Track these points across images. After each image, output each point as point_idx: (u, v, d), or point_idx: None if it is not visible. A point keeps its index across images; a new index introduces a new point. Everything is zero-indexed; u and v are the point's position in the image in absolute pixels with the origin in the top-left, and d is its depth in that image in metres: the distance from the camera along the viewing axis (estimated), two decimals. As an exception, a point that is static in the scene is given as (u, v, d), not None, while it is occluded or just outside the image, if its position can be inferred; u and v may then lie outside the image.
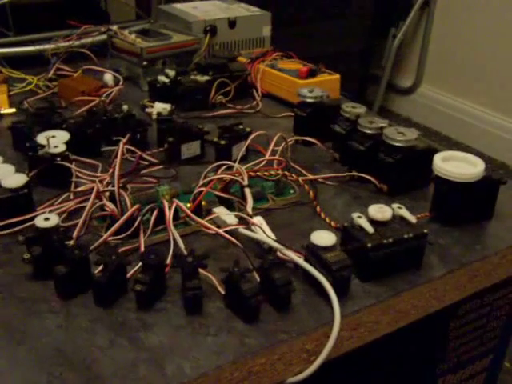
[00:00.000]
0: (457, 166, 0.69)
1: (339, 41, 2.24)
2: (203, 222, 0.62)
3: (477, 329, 0.77)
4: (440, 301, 0.63)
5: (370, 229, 0.60)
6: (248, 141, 0.79)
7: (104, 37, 1.17)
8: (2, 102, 0.98)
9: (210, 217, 0.65)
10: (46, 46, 1.13)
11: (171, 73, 0.99)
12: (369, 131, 0.77)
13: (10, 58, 1.15)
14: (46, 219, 0.60)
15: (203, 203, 0.67)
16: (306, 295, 0.58)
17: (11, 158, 0.80)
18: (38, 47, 1.14)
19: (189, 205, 0.66)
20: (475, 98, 2.30)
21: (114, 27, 1.14)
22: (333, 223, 0.69)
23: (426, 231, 0.61)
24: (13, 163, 0.72)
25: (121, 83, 1.04)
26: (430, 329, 0.70)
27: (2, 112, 0.97)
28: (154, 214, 0.63)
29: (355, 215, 0.61)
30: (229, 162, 0.71)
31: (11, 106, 0.99)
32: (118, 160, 0.67)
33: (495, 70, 2.19)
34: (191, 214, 0.62)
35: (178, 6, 1.27)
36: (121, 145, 0.71)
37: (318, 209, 0.71)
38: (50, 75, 1.07)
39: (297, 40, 1.97)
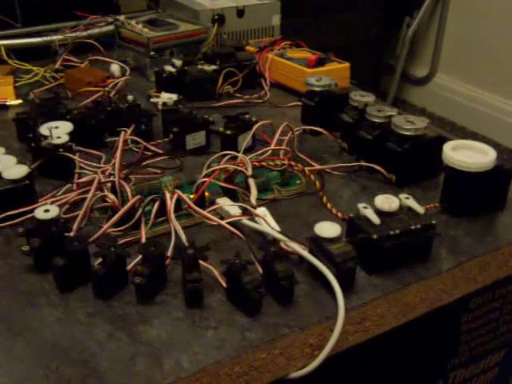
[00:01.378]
0: (467, 155, 0.67)
1: (353, 30, 2.21)
2: (205, 213, 0.61)
3: (489, 322, 0.75)
4: (449, 294, 0.61)
5: (376, 220, 0.58)
6: (253, 130, 0.77)
7: (111, 27, 1.16)
8: (8, 93, 0.98)
9: (213, 207, 0.64)
10: (53, 37, 1.12)
11: (178, 62, 0.98)
12: (377, 120, 0.75)
13: (17, 49, 1.14)
14: (46, 211, 0.59)
15: (206, 194, 0.66)
16: (310, 288, 0.57)
17: (15, 150, 0.80)
18: (45, 38, 1.13)
19: (192, 196, 0.65)
20: (491, 87, 2.26)
21: (121, 17, 1.13)
22: (339, 214, 0.67)
23: (434, 222, 0.59)
24: (17, 154, 0.71)
25: (127, 73, 1.03)
26: (441, 322, 0.69)
27: (8, 103, 0.96)
28: (156, 205, 0.62)
29: (361, 206, 0.60)
30: (233, 152, 0.69)
31: (18, 97, 0.98)
32: (118, 151, 0.65)
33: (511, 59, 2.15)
34: (193, 205, 0.61)
35: (186, -6, 1.26)
36: (122, 135, 0.70)
37: (324, 199, 0.70)
38: (56, 66, 1.07)
39: (309, 30, 1.95)
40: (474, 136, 2.27)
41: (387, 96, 2.42)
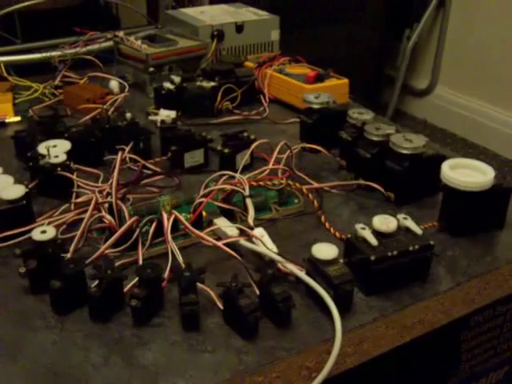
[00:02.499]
0: (466, 174, 0.67)
1: (353, 42, 2.22)
2: (202, 234, 0.61)
3: (490, 340, 0.75)
4: (447, 315, 0.61)
5: (373, 241, 0.58)
6: (251, 149, 0.77)
7: (110, 43, 1.16)
8: (7, 110, 0.98)
9: (210, 228, 0.64)
10: (53, 53, 1.13)
11: (177, 79, 0.98)
12: (375, 138, 0.75)
13: (17, 65, 1.15)
14: (43, 232, 0.59)
15: (204, 214, 0.66)
16: (307, 310, 0.56)
17: (14, 168, 0.80)
18: (44, 54, 1.14)
19: (189, 216, 0.65)
20: (491, 99, 2.26)
21: (120, 33, 1.13)
22: (337, 234, 0.67)
23: (432, 243, 0.59)
24: (15, 172, 0.72)
25: (126, 90, 1.04)
26: (441, 340, 0.68)
27: (6, 121, 0.96)
28: (153, 225, 0.62)
29: (359, 227, 0.59)
30: (230, 172, 0.69)
31: (17, 114, 0.98)
32: (116, 170, 0.65)
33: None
34: (189, 226, 0.61)
35: (186, 10, 1.26)
36: (119, 154, 0.69)
37: (322, 219, 0.69)
38: (56, 83, 1.07)
39: (308, 42, 1.96)
40: (475, 148, 2.27)
41: (387, 108, 2.43)
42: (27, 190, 0.67)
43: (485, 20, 2.21)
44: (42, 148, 0.75)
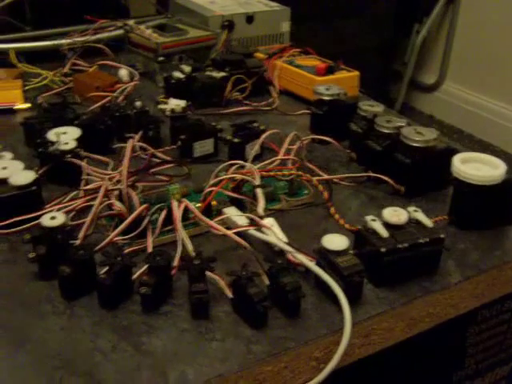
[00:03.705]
0: (477, 167, 0.66)
1: (362, 37, 2.21)
2: (212, 222, 0.60)
3: (497, 335, 0.75)
4: (456, 308, 0.61)
5: (384, 233, 0.58)
6: (261, 139, 0.77)
7: (120, 32, 1.16)
8: (17, 97, 0.97)
9: (220, 217, 0.63)
10: (63, 41, 1.12)
11: (187, 69, 0.98)
12: (386, 131, 0.75)
13: (27, 52, 1.14)
14: (53, 218, 0.59)
15: (213, 203, 0.65)
16: (316, 301, 0.56)
17: (23, 154, 0.80)
18: (54, 42, 1.13)
19: (199, 205, 0.65)
20: (500, 95, 2.25)
21: (131, 22, 1.13)
22: (347, 225, 0.67)
23: (442, 236, 0.59)
24: (25, 159, 0.71)
25: (136, 79, 1.03)
26: (447, 335, 0.68)
27: (16, 107, 0.96)
28: (163, 213, 0.62)
29: (369, 218, 0.59)
30: (240, 162, 0.69)
31: (26, 101, 0.98)
32: (126, 158, 0.65)
33: (521, 67, 2.14)
34: (200, 215, 0.61)
35: (196, 0, 1.25)
36: (130, 142, 0.69)
37: (332, 210, 0.69)
38: (65, 70, 1.07)
39: (318, 36, 1.95)
40: (482, 144, 2.26)
41: (395, 103, 2.42)
42: (37, 175, 0.67)
43: (494, 16, 2.20)
44: (51, 135, 0.74)
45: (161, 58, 1.05)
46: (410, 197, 0.73)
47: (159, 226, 0.62)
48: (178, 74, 0.97)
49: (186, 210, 0.63)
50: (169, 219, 0.62)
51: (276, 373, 0.50)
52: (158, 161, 0.78)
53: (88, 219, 0.63)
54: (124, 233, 0.61)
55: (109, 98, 0.93)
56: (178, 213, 0.61)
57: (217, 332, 0.52)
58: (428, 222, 0.60)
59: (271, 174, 0.70)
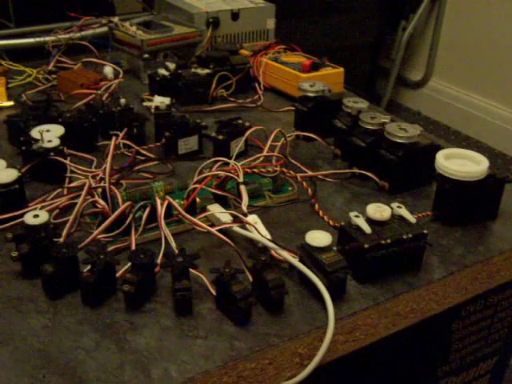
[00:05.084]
0: (460, 163, 0.67)
1: (348, 33, 2.21)
2: (195, 220, 0.60)
3: (481, 330, 0.75)
4: (440, 304, 0.61)
5: (367, 229, 0.58)
6: (245, 136, 0.77)
7: (105, 29, 1.15)
8: (0, 94, 0.97)
9: (204, 214, 0.63)
10: (47, 38, 1.12)
11: (171, 66, 0.98)
12: (370, 127, 0.75)
13: (10, 50, 1.14)
14: (36, 216, 0.58)
15: (197, 200, 0.65)
16: (300, 297, 0.56)
17: (7, 152, 0.79)
18: (38, 39, 1.13)
19: (183, 202, 0.65)
20: (486, 92, 2.26)
21: (115, 19, 1.12)
22: (331, 221, 0.67)
23: (425, 232, 0.59)
24: (8, 157, 0.71)
25: (120, 76, 1.03)
26: (432, 330, 0.68)
27: (-1, 105, 0.95)
28: (146, 211, 0.62)
29: (353, 214, 0.59)
30: (224, 159, 0.69)
31: (9, 98, 0.97)
32: (109, 156, 0.65)
33: (507, 63, 2.15)
34: (183, 212, 0.61)
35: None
36: (113, 140, 0.69)
37: (316, 207, 0.69)
38: (49, 67, 1.06)
39: (304, 32, 1.95)
40: (468, 140, 2.27)
41: (382, 99, 2.43)
42: (20, 174, 0.66)
43: (480, 13, 2.21)
44: (35, 132, 0.74)
45: (145, 55, 1.05)
46: (395, 193, 0.73)
47: (143, 224, 0.61)
48: (162, 71, 0.97)
49: (170, 208, 0.63)
50: (152, 217, 0.62)
51: (260, 369, 0.50)
52: (142, 158, 0.78)
53: (71, 217, 0.63)
54: (107, 230, 0.61)
55: (93, 95, 0.93)
56: (161, 210, 0.61)
57: (200, 329, 0.52)
58: (411, 218, 0.60)
59: (255, 170, 0.70)
